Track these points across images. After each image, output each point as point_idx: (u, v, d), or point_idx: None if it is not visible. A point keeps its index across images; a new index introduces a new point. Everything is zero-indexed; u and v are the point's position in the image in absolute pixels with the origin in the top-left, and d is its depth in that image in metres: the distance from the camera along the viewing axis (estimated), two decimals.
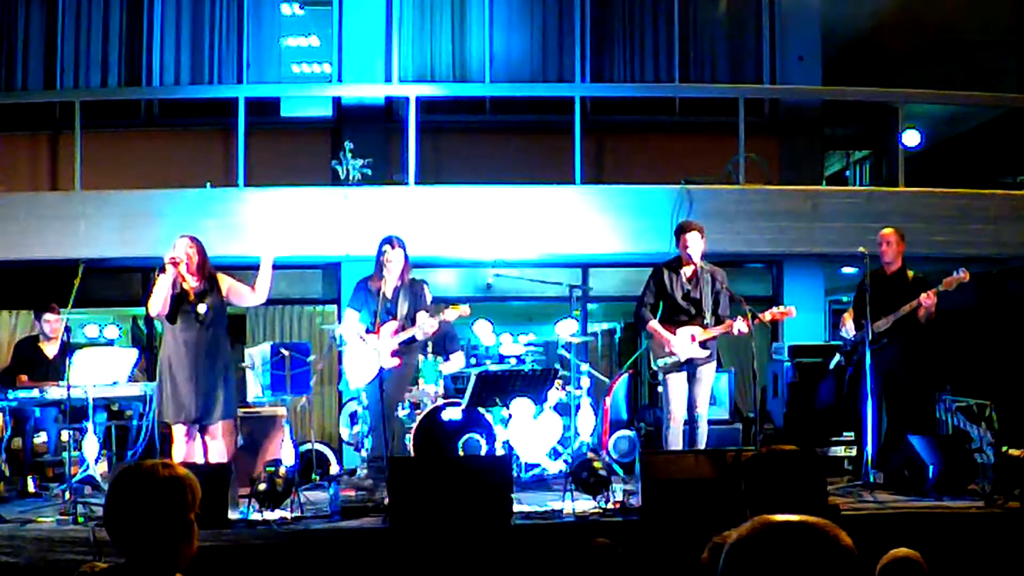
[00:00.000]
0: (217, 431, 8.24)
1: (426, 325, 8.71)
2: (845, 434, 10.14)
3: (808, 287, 12.39)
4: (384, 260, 8.75)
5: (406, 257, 8.85)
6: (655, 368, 8.97)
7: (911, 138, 12.67)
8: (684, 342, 8.72)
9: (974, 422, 10.49)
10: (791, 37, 12.98)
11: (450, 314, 8.87)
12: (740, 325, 8.59)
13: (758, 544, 2.12)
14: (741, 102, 11.82)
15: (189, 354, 8.09)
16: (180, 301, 8.13)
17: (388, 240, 8.85)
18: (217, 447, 8.23)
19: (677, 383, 8.77)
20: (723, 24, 13.14)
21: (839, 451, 10.19)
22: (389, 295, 8.78)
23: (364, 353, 8.72)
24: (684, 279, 8.86)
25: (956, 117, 14.70)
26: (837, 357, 9.57)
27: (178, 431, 8.19)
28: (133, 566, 3.09)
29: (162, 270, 8.03)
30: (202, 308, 8.12)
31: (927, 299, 8.73)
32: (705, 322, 8.76)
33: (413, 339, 8.82)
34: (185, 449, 8.18)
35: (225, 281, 8.34)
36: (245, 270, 8.98)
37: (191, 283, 8.17)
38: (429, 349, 9.73)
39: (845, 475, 9.35)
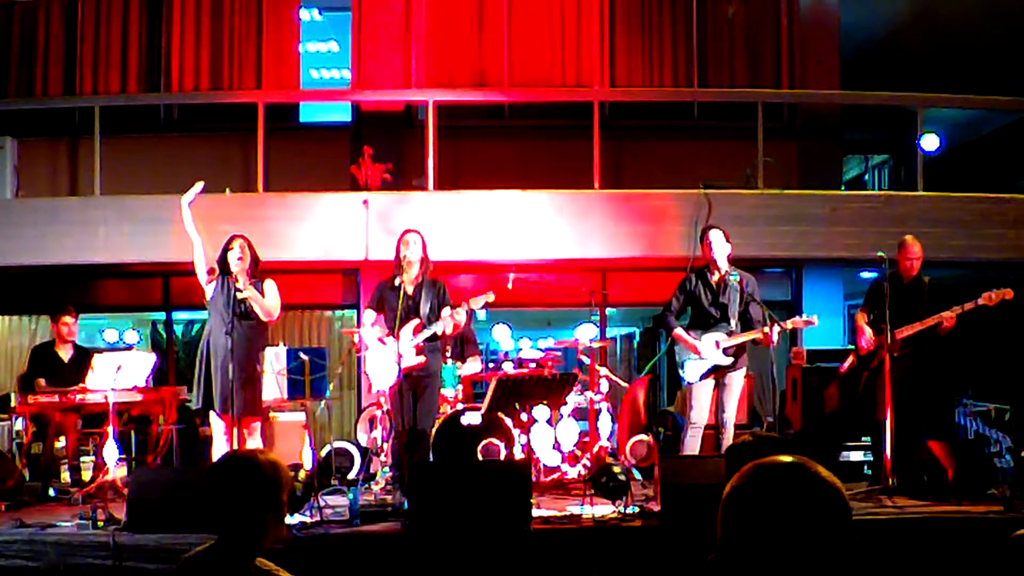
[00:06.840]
0: (255, 428, 8.24)
1: (454, 317, 8.60)
2: (863, 439, 10.03)
3: (827, 292, 12.37)
4: (400, 254, 8.68)
5: (425, 251, 8.79)
6: (681, 373, 8.94)
7: (930, 142, 12.61)
8: (709, 348, 8.68)
9: (994, 426, 10.45)
10: (810, 41, 12.98)
11: (476, 302, 8.70)
12: (772, 333, 8.48)
13: (746, 488, 2.39)
14: (760, 107, 11.81)
15: (226, 346, 8.03)
16: (226, 295, 8.12)
17: (405, 232, 8.82)
18: (253, 444, 8.18)
19: (702, 389, 8.73)
20: (742, 28, 13.11)
21: (855, 456, 10.09)
22: (411, 292, 8.73)
23: (385, 354, 8.68)
24: (711, 284, 8.82)
25: (975, 121, 14.68)
26: (850, 360, 9.28)
27: (217, 427, 8.16)
28: (225, 545, 3.29)
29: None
30: (240, 296, 8.07)
31: (949, 321, 8.56)
32: (730, 329, 8.71)
33: (436, 336, 8.71)
34: (226, 446, 8.12)
35: (268, 283, 8.31)
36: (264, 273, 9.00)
37: (242, 283, 8.11)
38: (448, 353, 9.74)
39: (863, 480, 9.27)
